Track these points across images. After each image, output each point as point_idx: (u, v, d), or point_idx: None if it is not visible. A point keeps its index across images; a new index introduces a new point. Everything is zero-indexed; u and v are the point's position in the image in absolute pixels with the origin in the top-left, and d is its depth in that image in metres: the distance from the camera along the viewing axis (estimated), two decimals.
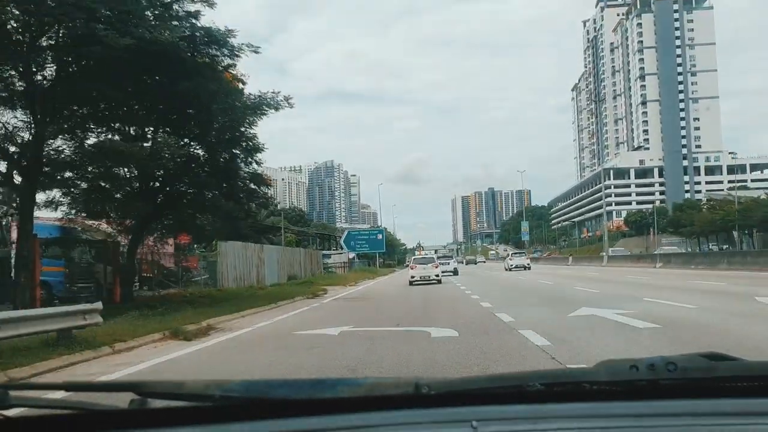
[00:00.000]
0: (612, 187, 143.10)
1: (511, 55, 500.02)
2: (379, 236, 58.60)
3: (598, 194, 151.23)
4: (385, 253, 70.98)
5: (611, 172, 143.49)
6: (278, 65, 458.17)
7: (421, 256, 33.25)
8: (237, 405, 1.18)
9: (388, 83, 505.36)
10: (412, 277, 27.36)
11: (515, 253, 52.51)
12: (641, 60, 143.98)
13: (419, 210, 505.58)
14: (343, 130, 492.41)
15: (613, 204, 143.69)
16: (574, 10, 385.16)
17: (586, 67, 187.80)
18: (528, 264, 46.07)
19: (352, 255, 65.81)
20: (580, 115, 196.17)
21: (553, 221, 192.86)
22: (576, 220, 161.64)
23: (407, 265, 36.90)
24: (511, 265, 45.34)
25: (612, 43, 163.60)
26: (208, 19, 30.51)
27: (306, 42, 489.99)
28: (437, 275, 27.58)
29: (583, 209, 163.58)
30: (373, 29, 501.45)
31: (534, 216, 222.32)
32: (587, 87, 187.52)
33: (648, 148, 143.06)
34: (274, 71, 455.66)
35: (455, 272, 36.01)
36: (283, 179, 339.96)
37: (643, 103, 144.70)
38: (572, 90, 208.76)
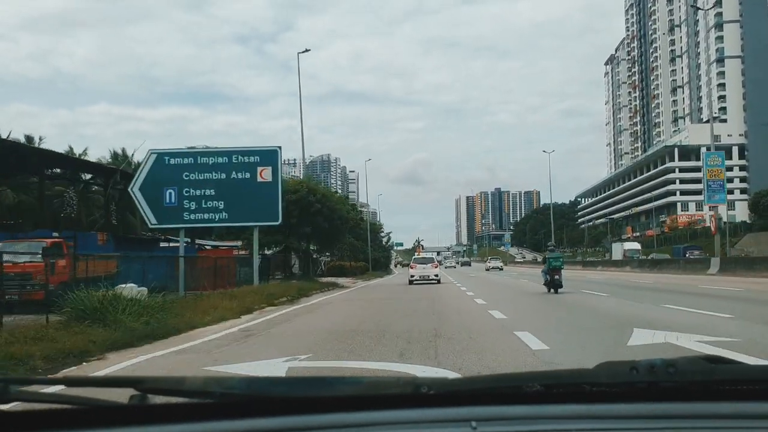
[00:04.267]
0: (676, 170, 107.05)
1: (517, 59, 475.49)
2: (263, 173, 18.49)
3: (650, 183, 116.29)
4: (280, 227, 25.66)
5: (675, 150, 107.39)
6: (284, 62, 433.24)
7: (421, 257, 37.13)
8: (237, 402, 1.16)
9: (392, 83, 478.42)
10: (412, 276, 29.59)
11: (492, 258, 73.85)
12: (718, 3, 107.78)
13: (422, 211, 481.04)
14: (346, 130, 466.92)
15: (678, 193, 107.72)
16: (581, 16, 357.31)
17: (628, 30, 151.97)
18: (501, 266, 63.29)
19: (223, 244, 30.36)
20: (617, 90, 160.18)
21: (579, 220, 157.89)
22: (615, 216, 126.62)
23: (404, 266, 38.28)
24: (490, 267, 61.51)
25: None
26: None
27: (312, 40, 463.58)
28: (436, 275, 29.51)
29: (627, 203, 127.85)
30: (379, 29, 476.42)
31: (556, 214, 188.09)
32: (629, 55, 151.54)
33: (725, 120, 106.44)
34: (280, 67, 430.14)
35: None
36: None
37: (720, 61, 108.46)
38: (606, 64, 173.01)
